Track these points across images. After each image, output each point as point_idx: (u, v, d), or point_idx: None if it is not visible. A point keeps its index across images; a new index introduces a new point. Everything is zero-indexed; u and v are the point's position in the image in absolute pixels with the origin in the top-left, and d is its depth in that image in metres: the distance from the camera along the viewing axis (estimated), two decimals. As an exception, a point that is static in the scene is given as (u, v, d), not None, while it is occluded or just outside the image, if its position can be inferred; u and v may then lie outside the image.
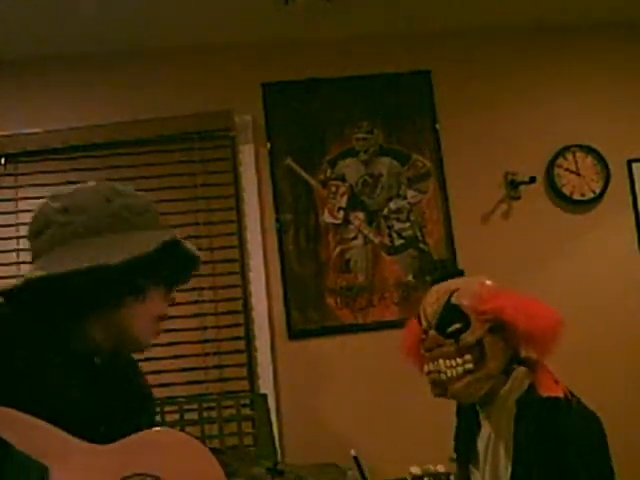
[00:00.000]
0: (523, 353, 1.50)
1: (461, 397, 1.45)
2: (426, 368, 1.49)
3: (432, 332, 1.47)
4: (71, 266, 1.04)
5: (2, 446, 0.89)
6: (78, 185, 1.18)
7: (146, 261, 1.09)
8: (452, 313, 1.45)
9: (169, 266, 1.17)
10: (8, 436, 0.91)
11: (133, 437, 1.04)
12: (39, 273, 1.05)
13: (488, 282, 1.51)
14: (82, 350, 1.11)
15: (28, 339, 1.04)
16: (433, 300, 1.49)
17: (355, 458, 1.50)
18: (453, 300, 1.46)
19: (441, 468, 1.36)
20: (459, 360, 1.43)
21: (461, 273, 1.57)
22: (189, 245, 1.20)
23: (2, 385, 0.97)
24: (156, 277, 1.16)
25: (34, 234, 1.13)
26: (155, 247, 1.10)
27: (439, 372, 1.45)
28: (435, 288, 1.52)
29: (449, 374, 1.43)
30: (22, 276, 1.08)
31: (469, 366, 1.42)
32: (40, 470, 0.90)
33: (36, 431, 0.96)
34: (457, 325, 1.44)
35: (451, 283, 1.51)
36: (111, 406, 1.12)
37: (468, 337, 1.43)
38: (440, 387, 1.47)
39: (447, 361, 1.44)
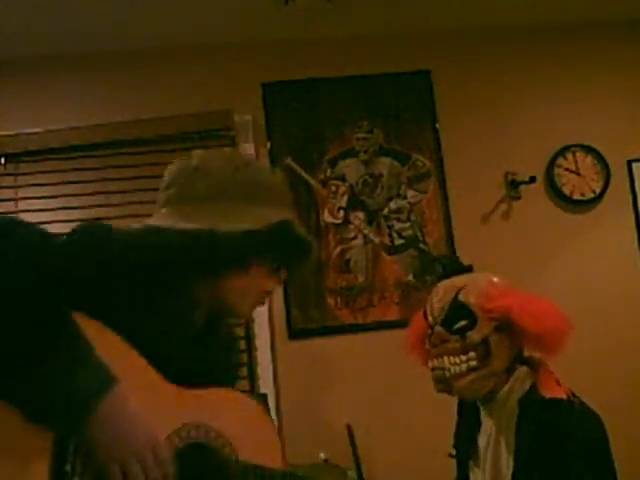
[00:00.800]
0: (526, 352, 1.50)
1: (465, 394, 1.46)
2: (430, 364, 1.49)
3: (438, 328, 1.48)
4: (182, 225, 1.07)
5: (83, 344, 0.90)
6: (216, 149, 1.23)
7: (256, 236, 1.10)
8: (459, 310, 1.45)
9: (279, 246, 1.16)
10: (97, 345, 0.92)
11: (208, 390, 1.07)
12: (154, 224, 1.09)
13: (495, 279, 1.51)
14: (182, 301, 1.11)
15: (135, 277, 1.03)
16: (440, 296, 1.50)
17: (348, 427, 1.52)
18: (460, 297, 1.46)
19: None
20: (463, 357, 1.43)
21: (469, 269, 1.57)
22: (303, 230, 1.19)
23: (108, 312, 0.98)
24: (264, 254, 1.15)
25: (164, 186, 1.17)
26: (267, 225, 1.11)
27: (443, 369, 1.46)
28: (442, 284, 1.52)
29: (452, 371, 1.44)
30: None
31: (473, 363, 1.43)
32: (110, 377, 0.91)
33: (122, 352, 0.98)
34: (463, 322, 1.45)
35: (458, 279, 1.51)
36: (199, 359, 1.12)
37: (474, 335, 1.43)
38: (444, 383, 1.47)
39: (451, 358, 1.44)
